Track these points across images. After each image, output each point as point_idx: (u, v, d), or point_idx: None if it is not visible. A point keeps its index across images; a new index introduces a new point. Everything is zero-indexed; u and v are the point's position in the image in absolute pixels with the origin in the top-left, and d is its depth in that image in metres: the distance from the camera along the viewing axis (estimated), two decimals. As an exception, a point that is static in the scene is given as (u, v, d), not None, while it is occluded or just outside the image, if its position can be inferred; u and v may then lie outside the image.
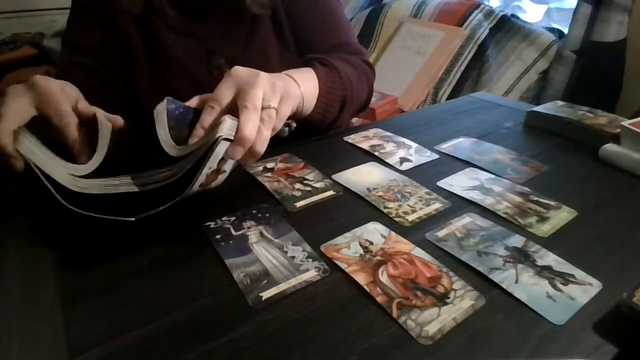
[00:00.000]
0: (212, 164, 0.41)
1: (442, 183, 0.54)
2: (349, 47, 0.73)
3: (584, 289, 0.37)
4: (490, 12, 1.74)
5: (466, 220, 0.46)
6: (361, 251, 0.42)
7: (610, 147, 0.58)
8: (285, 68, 0.70)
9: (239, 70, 0.46)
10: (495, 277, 0.38)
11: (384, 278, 0.38)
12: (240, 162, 0.45)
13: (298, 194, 0.52)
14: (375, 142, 0.66)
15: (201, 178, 0.41)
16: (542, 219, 0.46)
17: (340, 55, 0.70)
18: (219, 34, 0.70)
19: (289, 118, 0.54)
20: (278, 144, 0.65)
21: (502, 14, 1.73)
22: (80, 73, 0.66)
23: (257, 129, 0.43)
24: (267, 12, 0.68)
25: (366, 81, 0.72)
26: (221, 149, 0.41)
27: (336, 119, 0.66)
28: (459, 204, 0.50)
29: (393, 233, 0.44)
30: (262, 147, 0.44)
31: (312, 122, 0.63)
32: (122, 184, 0.43)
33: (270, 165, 0.59)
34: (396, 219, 0.47)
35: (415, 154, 0.62)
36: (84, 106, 0.47)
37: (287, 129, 0.52)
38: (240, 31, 0.70)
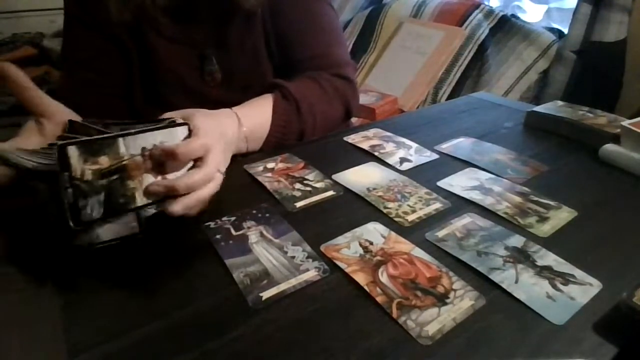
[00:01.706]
0: (166, 137, 0.41)
1: (442, 183, 0.54)
2: (329, 59, 0.72)
3: (584, 289, 0.37)
4: (490, 12, 1.74)
5: (466, 220, 0.46)
6: (361, 251, 0.42)
7: (610, 147, 0.58)
8: (273, 72, 0.70)
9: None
10: (495, 277, 0.38)
11: (383, 278, 0.38)
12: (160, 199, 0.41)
13: (298, 194, 0.52)
14: (375, 142, 0.66)
15: (146, 139, 0.39)
16: (542, 219, 0.46)
17: (312, 73, 0.69)
18: (212, 40, 0.69)
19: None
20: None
21: (502, 14, 1.73)
22: (83, 89, 0.66)
23: (199, 175, 0.42)
24: (258, 10, 0.67)
25: (338, 99, 0.71)
26: (180, 132, 0.42)
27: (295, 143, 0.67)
28: (459, 204, 0.50)
29: (393, 233, 0.44)
30: (185, 186, 0.41)
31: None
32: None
33: (270, 165, 0.59)
34: (396, 219, 0.47)
35: (415, 154, 0.62)
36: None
37: None
38: (233, 36, 0.69)
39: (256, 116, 0.62)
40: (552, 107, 0.72)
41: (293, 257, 0.41)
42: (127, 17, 0.62)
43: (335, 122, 0.73)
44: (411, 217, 0.47)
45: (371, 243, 0.43)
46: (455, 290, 0.37)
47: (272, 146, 0.64)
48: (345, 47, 0.79)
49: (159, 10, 0.64)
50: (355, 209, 0.49)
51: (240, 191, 0.54)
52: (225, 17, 0.68)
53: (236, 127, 0.58)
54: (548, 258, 0.40)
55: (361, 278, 0.38)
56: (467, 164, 0.59)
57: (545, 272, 0.39)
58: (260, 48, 0.71)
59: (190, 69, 0.69)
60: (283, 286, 0.38)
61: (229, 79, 0.71)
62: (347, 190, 0.53)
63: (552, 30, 1.67)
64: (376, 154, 0.62)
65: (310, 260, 0.41)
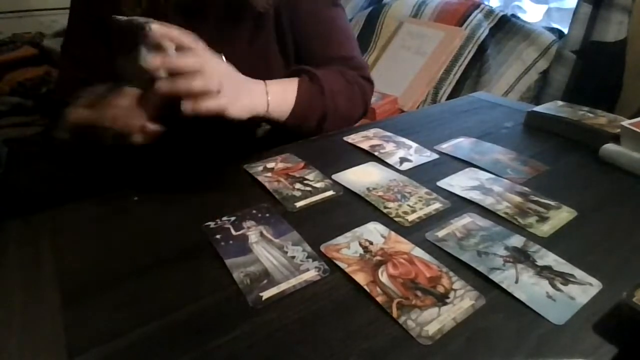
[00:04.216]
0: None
1: (442, 183, 0.54)
2: (350, 62, 0.73)
3: (584, 289, 0.37)
4: (490, 12, 1.74)
5: (466, 220, 0.46)
6: (361, 251, 0.42)
7: (610, 147, 0.58)
8: (284, 74, 0.70)
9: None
10: (495, 277, 0.38)
11: (383, 278, 0.38)
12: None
13: (298, 194, 0.52)
14: (375, 142, 0.66)
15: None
16: (542, 219, 0.46)
17: (339, 68, 0.70)
18: (222, 38, 0.69)
19: (262, 120, 0.59)
20: (277, 144, 0.65)
21: (502, 14, 1.73)
22: (79, 87, 0.66)
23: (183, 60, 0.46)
24: (269, 10, 0.67)
25: (360, 97, 0.72)
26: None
27: (316, 129, 0.68)
28: (459, 204, 0.50)
29: (393, 233, 0.44)
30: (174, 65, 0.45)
31: (289, 129, 0.65)
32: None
33: (270, 165, 0.59)
34: (396, 219, 0.47)
35: (415, 154, 0.62)
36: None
37: (260, 129, 0.55)
38: (243, 34, 0.69)
39: (282, 89, 0.63)
40: (552, 107, 0.72)
41: (293, 257, 0.41)
42: (138, 15, 0.63)
43: (353, 117, 0.74)
44: (411, 217, 0.47)
45: (371, 243, 0.43)
46: (455, 290, 0.37)
47: (294, 126, 0.65)
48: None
49: (171, 8, 0.64)
50: (355, 209, 0.49)
51: (240, 191, 0.54)
52: (235, 16, 0.68)
53: (263, 91, 0.60)
54: (548, 258, 0.40)
55: (361, 278, 0.38)
56: (467, 164, 0.59)
57: (545, 272, 0.39)
58: (270, 48, 0.71)
59: None
60: (283, 286, 0.38)
61: None
62: (347, 190, 0.53)
63: (552, 30, 1.66)
64: (376, 153, 0.62)
65: (310, 260, 0.41)
